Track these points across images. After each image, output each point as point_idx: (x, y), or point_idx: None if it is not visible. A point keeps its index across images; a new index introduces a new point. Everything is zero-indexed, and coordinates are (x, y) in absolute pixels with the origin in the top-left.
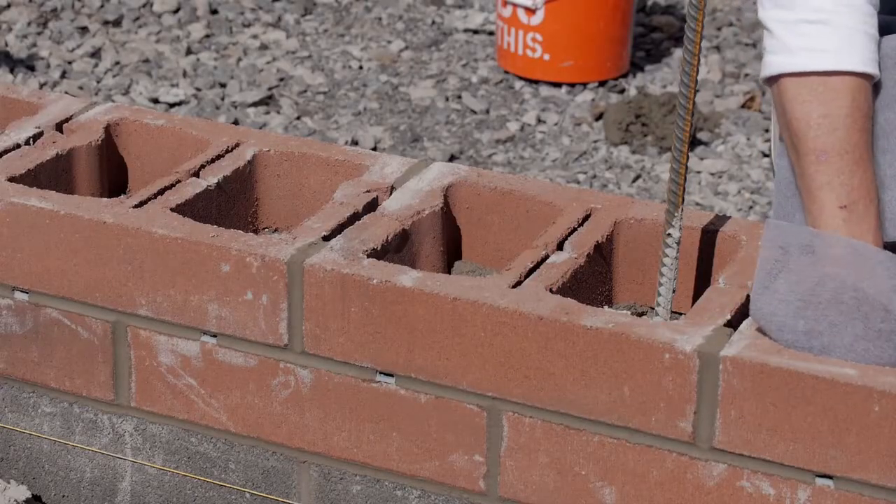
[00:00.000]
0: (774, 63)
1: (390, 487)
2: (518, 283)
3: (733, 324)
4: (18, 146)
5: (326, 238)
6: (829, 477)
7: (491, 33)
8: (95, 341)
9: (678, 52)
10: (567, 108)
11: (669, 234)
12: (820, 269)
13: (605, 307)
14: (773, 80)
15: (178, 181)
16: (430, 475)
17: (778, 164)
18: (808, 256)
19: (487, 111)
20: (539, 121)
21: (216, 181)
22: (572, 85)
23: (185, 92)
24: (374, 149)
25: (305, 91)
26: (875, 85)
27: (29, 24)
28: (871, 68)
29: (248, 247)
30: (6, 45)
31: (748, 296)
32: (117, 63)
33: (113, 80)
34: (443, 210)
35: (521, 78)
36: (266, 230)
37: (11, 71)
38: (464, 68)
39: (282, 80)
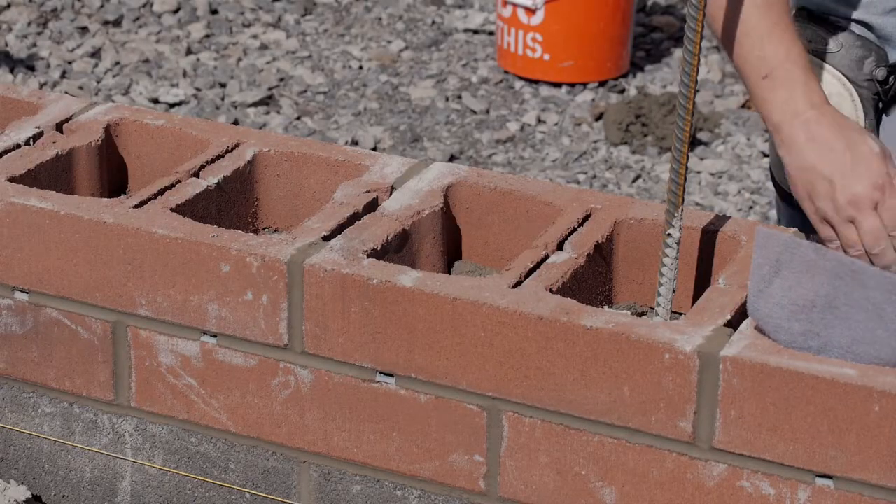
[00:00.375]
0: None
1: (390, 487)
2: (518, 283)
3: (733, 324)
4: (18, 146)
5: (326, 238)
6: (829, 477)
7: (491, 33)
8: (95, 341)
9: (678, 52)
10: (567, 108)
11: (669, 234)
12: (812, 280)
13: (605, 307)
14: None
15: (178, 181)
16: (430, 475)
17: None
18: (799, 267)
19: (487, 111)
20: (539, 121)
21: (216, 181)
22: (572, 85)
23: (185, 92)
24: (374, 149)
25: (305, 91)
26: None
27: (29, 24)
28: None
29: (248, 247)
30: (6, 45)
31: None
32: (117, 63)
33: (113, 80)
34: (443, 210)
35: (521, 78)
36: (266, 230)
37: (11, 71)
38: (464, 68)
39: (282, 80)
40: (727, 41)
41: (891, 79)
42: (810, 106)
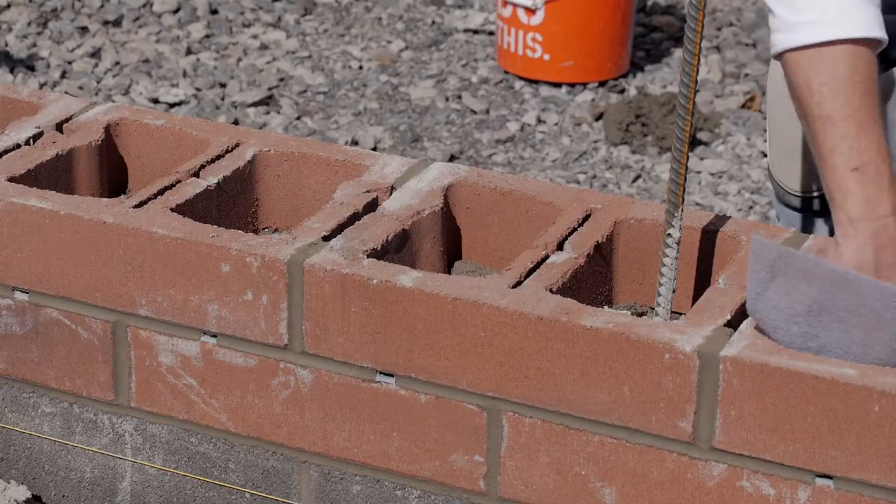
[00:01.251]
0: (778, 41)
1: (390, 487)
2: (518, 283)
3: (733, 324)
4: (18, 146)
5: (326, 238)
6: (829, 477)
7: (491, 33)
8: (95, 341)
9: (678, 52)
10: (567, 108)
11: (669, 234)
12: (808, 286)
13: (605, 307)
14: (779, 57)
15: (178, 181)
16: (430, 475)
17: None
18: (794, 275)
19: (487, 111)
20: (539, 121)
21: (216, 181)
22: (572, 85)
23: (185, 92)
24: (374, 149)
25: (305, 91)
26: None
27: (29, 24)
28: (870, 32)
29: (248, 247)
30: (6, 45)
31: None
32: (117, 63)
33: (113, 80)
34: (443, 210)
35: (521, 78)
36: (266, 230)
37: (11, 71)
38: (464, 68)
39: (282, 80)
40: (817, 120)
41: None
42: (891, 213)
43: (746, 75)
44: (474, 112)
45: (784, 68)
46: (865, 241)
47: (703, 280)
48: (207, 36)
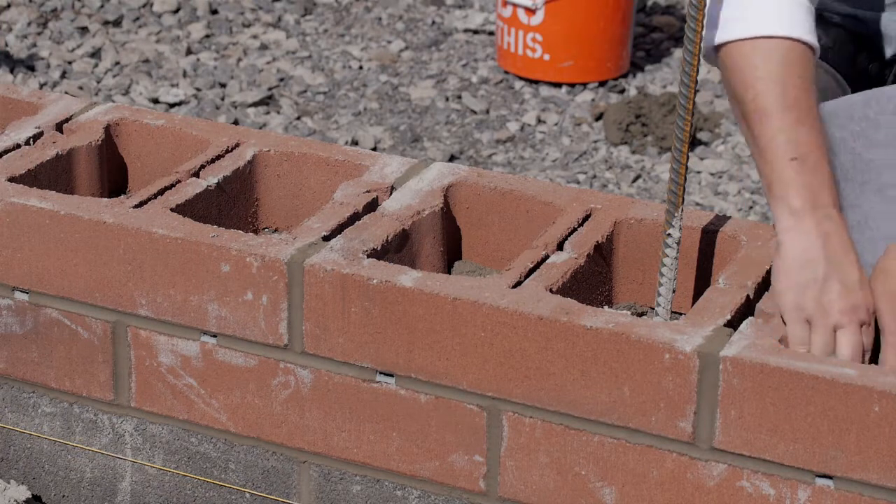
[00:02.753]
0: (712, 36)
1: (390, 487)
2: (518, 283)
3: (733, 324)
4: (18, 146)
5: (326, 238)
6: (829, 477)
7: (491, 33)
8: (95, 341)
9: (678, 52)
10: (567, 108)
11: (669, 234)
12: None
13: (605, 307)
14: (715, 53)
15: (178, 181)
16: (430, 475)
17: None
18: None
19: (487, 111)
20: (539, 121)
21: (216, 181)
22: (572, 85)
23: (185, 92)
24: (374, 149)
25: (305, 91)
26: (873, 123)
27: (29, 24)
28: (802, 34)
29: (248, 247)
30: (6, 45)
31: (748, 296)
32: (117, 63)
33: (113, 80)
34: (443, 210)
35: (521, 78)
36: (266, 230)
37: (11, 71)
38: (464, 68)
39: (282, 80)
40: (753, 113)
41: (887, 73)
42: (832, 204)
43: None
44: (474, 112)
45: (720, 64)
46: (810, 230)
47: (703, 280)
48: (207, 36)
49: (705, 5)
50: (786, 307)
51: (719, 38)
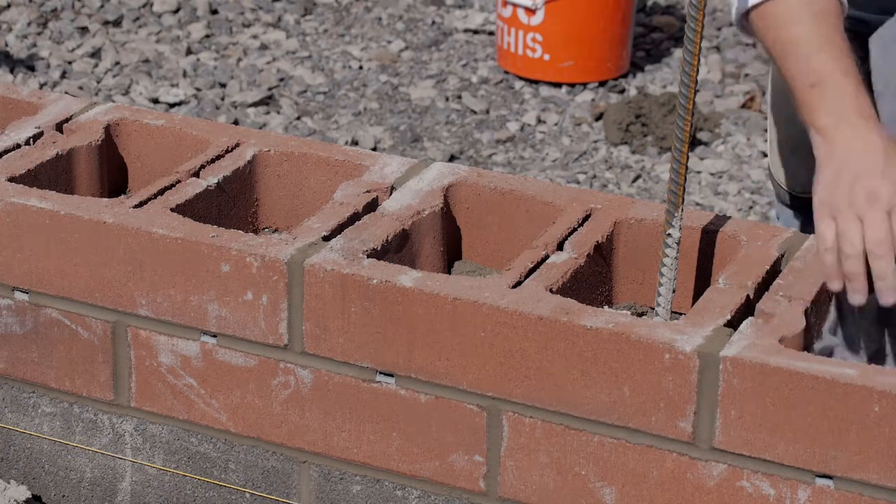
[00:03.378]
0: (745, 3)
1: (390, 487)
2: (518, 283)
3: (733, 324)
4: (18, 146)
5: (326, 238)
6: (829, 477)
7: (491, 33)
8: (95, 341)
9: (678, 52)
10: (567, 108)
11: (669, 234)
12: None
13: (605, 307)
14: (744, 18)
15: (178, 181)
16: (430, 475)
17: None
18: None
19: (487, 111)
20: (539, 121)
21: (216, 181)
22: (572, 85)
23: (185, 92)
24: (374, 149)
25: (305, 91)
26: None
27: (29, 24)
28: None
29: (248, 247)
30: (6, 45)
31: (748, 296)
32: (117, 63)
33: (113, 80)
34: (443, 210)
35: (521, 78)
36: (266, 230)
37: (11, 71)
38: (464, 68)
39: (282, 80)
40: (779, 54)
41: None
42: (859, 116)
43: (746, 75)
44: (474, 112)
45: (753, 28)
46: (840, 143)
47: (703, 280)
48: (207, 36)
49: (705, 5)
50: (815, 209)
51: (745, 4)
